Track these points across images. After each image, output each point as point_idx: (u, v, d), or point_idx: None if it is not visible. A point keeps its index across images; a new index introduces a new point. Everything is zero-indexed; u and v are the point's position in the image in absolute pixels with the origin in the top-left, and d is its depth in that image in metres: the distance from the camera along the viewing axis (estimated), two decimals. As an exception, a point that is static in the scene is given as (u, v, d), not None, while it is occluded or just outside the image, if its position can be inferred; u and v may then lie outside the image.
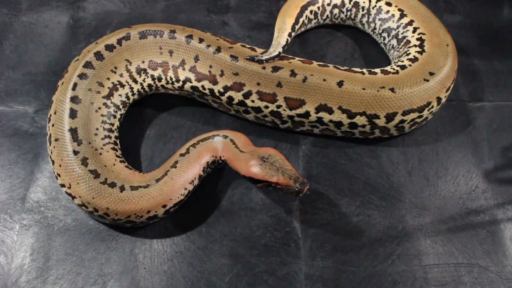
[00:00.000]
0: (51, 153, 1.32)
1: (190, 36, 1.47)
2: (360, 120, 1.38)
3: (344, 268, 1.29)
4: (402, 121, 1.39)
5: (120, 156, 1.39)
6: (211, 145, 1.36)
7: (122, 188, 1.26)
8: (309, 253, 1.30)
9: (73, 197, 1.28)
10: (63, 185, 1.30)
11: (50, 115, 1.37)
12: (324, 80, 1.38)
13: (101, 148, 1.34)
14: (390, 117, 1.37)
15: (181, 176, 1.30)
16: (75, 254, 1.31)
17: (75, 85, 1.38)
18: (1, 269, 1.29)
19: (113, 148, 1.38)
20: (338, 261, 1.30)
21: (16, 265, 1.29)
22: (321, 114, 1.39)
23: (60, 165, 1.29)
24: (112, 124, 1.42)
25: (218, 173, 1.43)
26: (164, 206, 1.28)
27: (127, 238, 1.33)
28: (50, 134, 1.34)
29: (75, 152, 1.29)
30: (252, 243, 1.32)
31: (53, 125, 1.34)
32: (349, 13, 1.70)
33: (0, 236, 1.34)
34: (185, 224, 1.35)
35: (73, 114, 1.34)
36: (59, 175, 1.30)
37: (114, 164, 1.33)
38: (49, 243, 1.33)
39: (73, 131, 1.32)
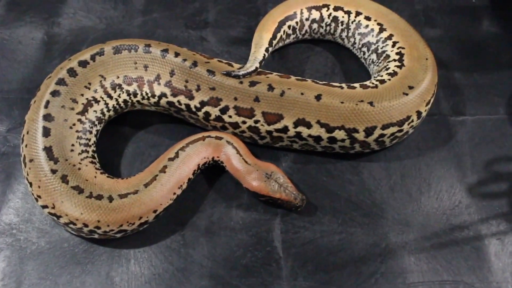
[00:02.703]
0: (28, 175, 1.30)
1: (165, 50, 1.46)
2: (339, 134, 1.38)
3: (327, 288, 1.28)
4: (382, 135, 1.39)
5: (100, 168, 1.37)
6: (202, 147, 1.38)
7: (110, 198, 1.25)
8: (290, 273, 1.29)
9: (59, 217, 1.26)
10: (45, 206, 1.27)
11: (23, 135, 1.35)
12: (302, 94, 1.38)
13: (79, 163, 1.32)
14: (369, 131, 1.37)
15: (171, 181, 1.31)
16: (49, 278, 1.28)
17: (47, 102, 1.36)
18: (-29, 295, 1.26)
19: (92, 162, 1.36)
20: (321, 280, 1.28)
21: (-14, 291, 1.26)
22: (299, 129, 1.39)
23: (39, 186, 1.26)
24: (89, 139, 1.41)
25: (198, 191, 1.41)
26: (154, 211, 1.29)
27: (103, 260, 1.31)
28: (24, 155, 1.31)
29: (53, 171, 1.27)
30: (232, 263, 1.30)
31: (26, 146, 1.32)
32: (328, 27, 1.71)
33: (-30, 260, 1.31)
34: (163, 245, 1.33)
35: (46, 132, 1.32)
36: (39, 196, 1.27)
37: (95, 177, 1.31)
38: (22, 267, 1.30)
39: (48, 150, 1.30)
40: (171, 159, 1.34)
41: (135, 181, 1.32)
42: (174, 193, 1.33)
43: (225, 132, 1.45)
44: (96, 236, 1.29)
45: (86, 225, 1.24)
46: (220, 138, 1.39)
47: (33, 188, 1.28)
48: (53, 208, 1.25)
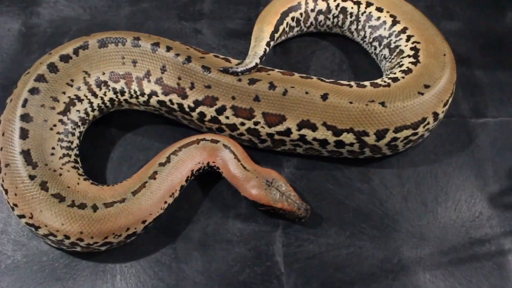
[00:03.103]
0: (3, 181, 1.29)
1: (156, 44, 1.46)
2: (348, 137, 1.38)
3: (334, 308, 1.28)
4: (395, 139, 1.39)
5: (83, 174, 1.37)
6: (196, 151, 1.38)
7: (94, 208, 1.25)
8: (293, 290, 1.29)
9: (37, 228, 1.25)
10: (22, 216, 1.26)
11: None
12: (307, 93, 1.38)
13: (60, 169, 1.32)
14: (380, 134, 1.37)
15: (161, 188, 1.31)
16: (26, 296, 1.28)
17: (25, 101, 1.36)
18: None
19: (74, 167, 1.36)
20: (327, 299, 1.29)
21: (-44, 309, 1.26)
22: (303, 131, 1.39)
23: (15, 194, 1.26)
24: (71, 142, 1.41)
25: (191, 200, 1.41)
26: (143, 222, 1.29)
27: (85, 276, 1.31)
28: None
29: (31, 177, 1.27)
30: (228, 280, 1.30)
31: (1, 149, 1.31)
32: (336, 19, 1.71)
33: None
34: (152, 259, 1.33)
35: (24, 134, 1.32)
36: (16, 205, 1.27)
37: (78, 184, 1.31)
38: (-4, 283, 1.30)
39: (26, 153, 1.30)
40: (162, 164, 1.34)
41: (122, 188, 1.31)
42: (165, 202, 1.32)
43: (222, 134, 1.45)
44: (78, 249, 1.28)
45: (67, 237, 1.24)
46: (216, 142, 1.39)
47: (9, 196, 1.28)
48: (31, 218, 1.25)
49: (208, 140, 1.40)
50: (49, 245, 1.34)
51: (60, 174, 1.30)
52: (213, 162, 1.39)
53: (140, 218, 1.28)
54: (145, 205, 1.28)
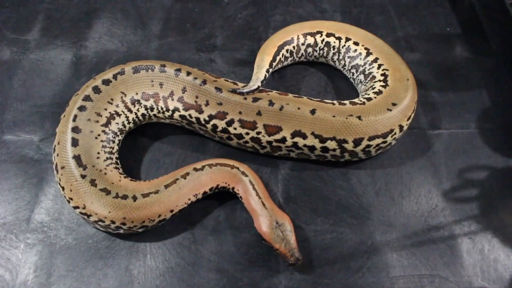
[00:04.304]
0: (60, 180, 1.29)
1: (178, 70, 1.45)
2: (331, 144, 1.37)
3: (320, 281, 1.27)
4: (368, 146, 1.38)
5: (123, 173, 1.36)
6: (227, 174, 1.34)
7: (134, 198, 1.25)
8: (287, 267, 1.28)
9: (89, 216, 1.25)
10: (77, 207, 1.26)
11: (55, 145, 1.34)
12: (299, 108, 1.37)
13: (105, 169, 1.31)
14: (357, 142, 1.36)
15: (187, 187, 1.30)
16: (75, 271, 1.27)
17: (75, 116, 1.35)
18: (6, 285, 1.25)
19: (116, 168, 1.36)
20: (314, 274, 1.28)
21: (20, 281, 1.25)
22: (296, 139, 1.38)
23: (71, 190, 1.26)
24: (112, 148, 1.40)
25: (206, 196, 1.40)
26: (171, 211, 1.29)
27: (123, 255, 1.30)
28: (56, 163, 1.31)
29: (83, 176, 1.26)
30: (236, 259, 1.30)
31: (58, 155, 1.31)
32: (321, 51, 1.70)
33: (6, 254, 1.30)
34: (176, 242, 1.33)
35: (75, 142, 1.31)
36: (71, 198, 1.26)
37: (120, 180, 1.31)
38: (51, 260, 1.29)
39: (77, 158, 1.29)
40: (195, 169, 1.33)
41: (157, 182, 1.31)
42: (189, 199, 1.31)
43: (252, 172, 1.37)
44: (121, 231, 1.29)
45: (113, 222, 1.24)
46: (246, 176, 1.34)
47: (65, 191, 1.27)
48: (84, 208, 1.25)
49: (240, 171, 1.35)
50: (97, 229, 1.34)
51: (105, 173, 1.30)
52: (238, 190, 1.34)
53: (169, 207, 1.28)
54: (173, 197, 1.28)
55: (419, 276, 1.28)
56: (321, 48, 1.70)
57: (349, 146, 1.37)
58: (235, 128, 1.41)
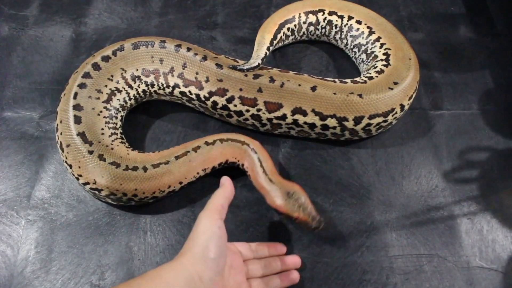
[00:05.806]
0: (66, 158, 1.29)
1: (178, 46, 1.45)
2: (331, 122, 1.37)
3: (319, 259, 1.28)
4: (369, 124, 1.38)
5: (129, 146, 1.37)
6: (238, 149, 1.34)
7: (144, 169, 1.26)
8: (287, 245, 1.29)
9: (100, 190, 1.26)
10: (86, 183, 1.27)
11: (57, 124, 1.34)
12: (300, 85, 1.37)
13: (111, 144, 1.32)
14: (357, 120, 1.36)
15: (197, 160, 1.31)
16: (76, 247, 1.29)
17: (76, 94, 1.36)
18: (8, 261, 1.26)
19: (122, 142, 1.37)
20: (314, 252, 1.29)
21: (21, 257, 1.27)
22: (296, 116, 1.38)
23: (79, 167, 1.26)
24: (116, 123, 1.41)
25: (206, 174, 1.41)
26: (180, 183, 1.30)
27: (123, 232, 1.31)
28: (61, 142, 1.31)
29: (90, 152, 1.27)
30: (237, 236, 1.31)
31: (61, 134, 1.31)
32: (323, 30, 1.69)
33: (7, 230, 1.31)
34: (176, 220, 1.34)
35: (77, 120, 1.32)
36: (80, 175, 1.27)
37: (128, 154, 1.32)
38: (52, 236, 1.30)
39: (82, 135, 1.29)
40: (206, 143, 1.33)
41: (167, 153, 1.32)
42: (198, 173, 1.32)
43: (262, 149, 1.35)
44: (133, 203, 1.30)
45: (125, 194, 1.26)
46: (255, 153, 1.33)
47: (73, 169, 1.28)
48: (95, 183, 1.25)
49: (250, 148, 1.34)
50: (108, 203, 1.35)
51: (112, 148, 1.31)
52: (247, 166, 1.34)
53: (178, 179, 1.29)
54: (183, 169, 1.29)
55: (418, 255, 1.29)
56: (323, 26, 1.69)
57: (350, 124, 1.37)
58: (235, 105, 1.41)
